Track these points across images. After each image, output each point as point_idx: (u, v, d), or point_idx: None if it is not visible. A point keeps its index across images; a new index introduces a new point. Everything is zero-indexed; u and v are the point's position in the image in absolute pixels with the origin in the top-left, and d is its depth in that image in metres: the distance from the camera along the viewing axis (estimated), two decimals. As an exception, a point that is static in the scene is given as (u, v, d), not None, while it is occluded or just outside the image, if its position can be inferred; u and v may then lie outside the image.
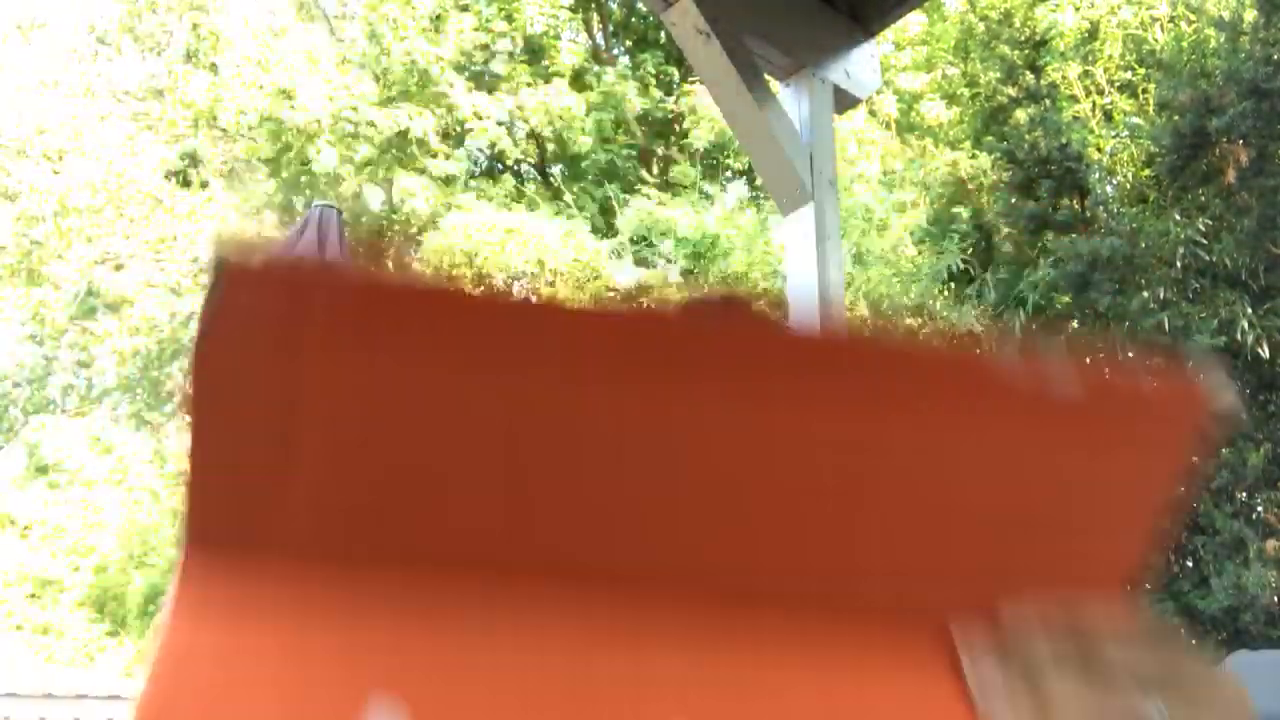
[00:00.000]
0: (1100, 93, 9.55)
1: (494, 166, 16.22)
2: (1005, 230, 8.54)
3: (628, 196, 12.99)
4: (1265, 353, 7.11)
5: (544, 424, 0.48)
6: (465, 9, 14.66)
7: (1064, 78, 9.47)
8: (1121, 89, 9.67)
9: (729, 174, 15.12)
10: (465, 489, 0.49)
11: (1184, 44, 8.66)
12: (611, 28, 16.98)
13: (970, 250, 8.42)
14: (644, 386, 0.48)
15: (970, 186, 9.19)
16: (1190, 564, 7.34)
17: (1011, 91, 9.65)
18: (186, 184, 15.30)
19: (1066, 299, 7.92)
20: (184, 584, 0.48)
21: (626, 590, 0.52)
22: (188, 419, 0.46)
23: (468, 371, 0.46)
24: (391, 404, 0.46)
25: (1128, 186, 8.76)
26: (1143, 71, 9.53)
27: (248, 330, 0.43)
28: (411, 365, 0.45)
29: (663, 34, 14.75)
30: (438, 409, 0.47)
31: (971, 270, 8.23)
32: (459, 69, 14.63)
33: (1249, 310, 7.13)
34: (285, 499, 0.47)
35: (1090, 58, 9.68)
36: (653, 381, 0.48)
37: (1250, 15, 7.83)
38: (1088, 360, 0.51)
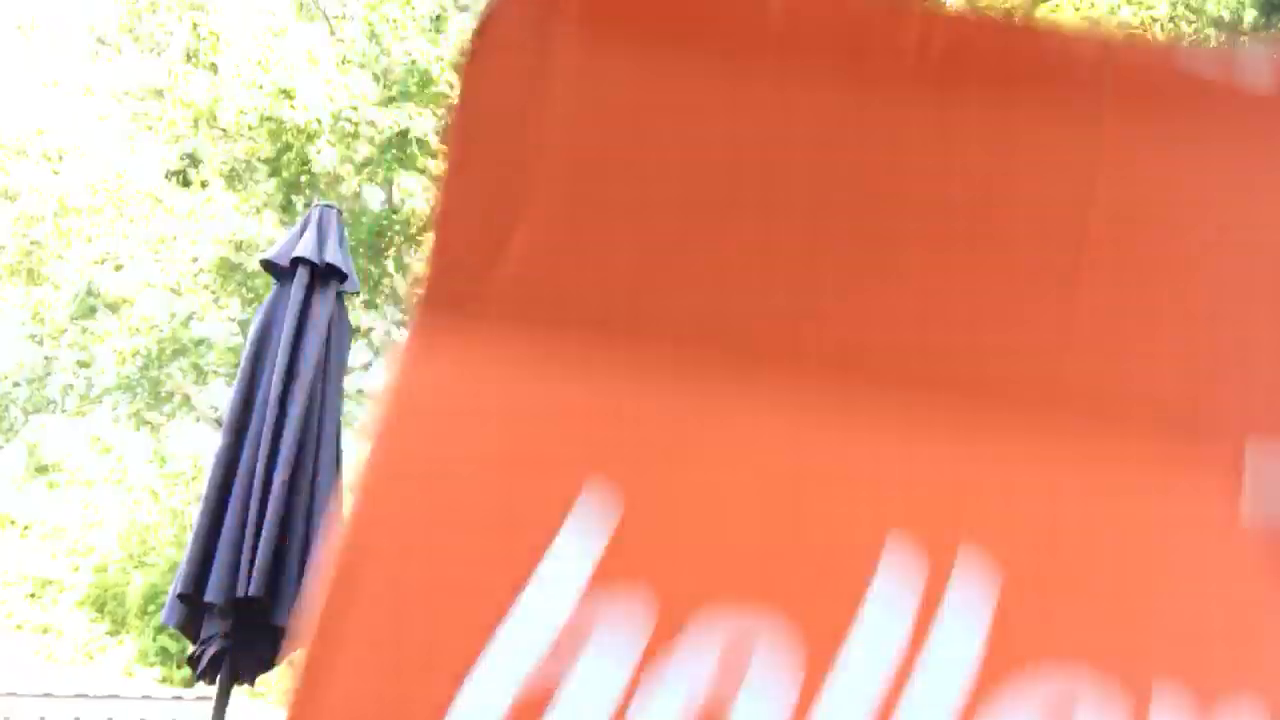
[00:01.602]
0: (1100, 93, 9.54)
1: (494, 166, 16.21)
2: (1005, 230, 8.53)
3: (628, 196, 12.99)
4: (1265, 353, 7.10)
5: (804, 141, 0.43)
6: (465, 9, 14.64)
7: (1064, 78, 9.46)
8: (1121, 89, 9.65)
9: (729, 174, 15.13)
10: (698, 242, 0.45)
11: (1184, 44, 8.65)
12: (611, 28, 16.99)
13: (970, 250, 8.40)
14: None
15: (970, 186, 9.19)
16: (1190, 564, 7.32)
17: (1011, 91, 9.64)
18: (186, 184, 15.27)
19: (1066, 299, 7.90)
20: (415, 335, 0.47)
21: (836, 371, 0.47)
22: (443, 168, 0.47)
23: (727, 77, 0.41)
24: (631, 112, 0.44)
25: (1128, 186, 8.75)
26: (1143, 72, 9.52)
27: (503, 46, 0.44)
28: (656, 69, 0.42)
29: (663, 34, 14.72)
30: (680, 120, 0.43)
31: (971, 270, 8.22)
32: (459, 69, 14.61)
33: (1249, 310, 7.11)
34: (512, 255, 0.46)
35: (1090, 58, 9.67)
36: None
37: (1250, 15, 7.83)
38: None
